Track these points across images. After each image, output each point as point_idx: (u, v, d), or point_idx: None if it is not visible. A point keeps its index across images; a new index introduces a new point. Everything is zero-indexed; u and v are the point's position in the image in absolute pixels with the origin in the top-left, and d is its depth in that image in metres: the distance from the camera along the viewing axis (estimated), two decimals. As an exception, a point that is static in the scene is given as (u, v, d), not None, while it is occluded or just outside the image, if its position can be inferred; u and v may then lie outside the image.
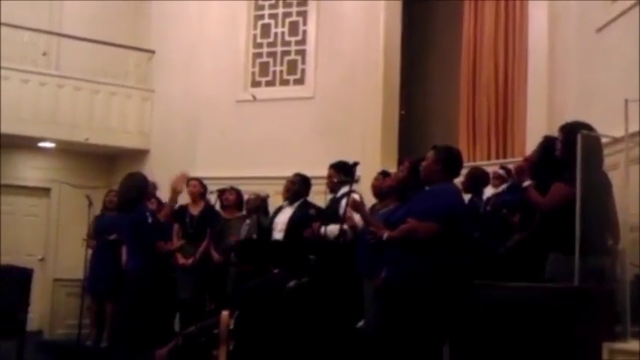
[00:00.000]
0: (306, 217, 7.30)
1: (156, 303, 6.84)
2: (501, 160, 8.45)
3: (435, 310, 5.04)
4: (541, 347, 4.28)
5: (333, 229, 6.65)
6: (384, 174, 7.33)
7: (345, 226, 6.47)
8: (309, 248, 6.81)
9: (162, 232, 7.31)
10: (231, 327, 5.33)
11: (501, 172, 7.03)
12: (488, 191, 6.99)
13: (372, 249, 5.70)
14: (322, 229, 6.74)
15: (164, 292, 7.21)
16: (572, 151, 4.81)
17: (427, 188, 5.51)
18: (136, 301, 6.88)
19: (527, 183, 5.27)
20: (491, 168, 7.46)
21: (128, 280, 7.12)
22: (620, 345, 4.09)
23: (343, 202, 6.64)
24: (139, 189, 7.06)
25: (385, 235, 5.38)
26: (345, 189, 6.92)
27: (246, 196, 8.74)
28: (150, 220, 6.92)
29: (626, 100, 4.61)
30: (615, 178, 5.12)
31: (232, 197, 8.66)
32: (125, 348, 6.96)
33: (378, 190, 7.20)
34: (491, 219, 6.33)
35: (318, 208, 7.39)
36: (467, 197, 6.96)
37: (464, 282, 4.99)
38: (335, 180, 7.20)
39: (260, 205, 8.38)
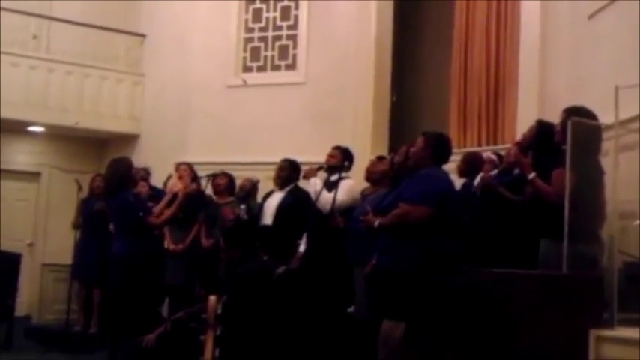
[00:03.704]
0: (295, 202, 7.31)
1: (142, 287, 6.83)
2: (492, 147, 8.44)
3: (427, 294, 5.03)
4: (528, 333, 4.29)
5: (327, 198, 6.69)
6: (381, 159, 7.33)
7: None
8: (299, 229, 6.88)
9: (147, 210, 7.31)
10: (219, 312, 5.31)
11: (493, 157, 7.03)
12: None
13: (364, 235, 5.70)
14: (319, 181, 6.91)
15: (152, 276, 7.20)
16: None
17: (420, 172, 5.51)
18: (120, 286, 6.89)
19: (532, 175, 5.26)
20: (484, 154, 7.46)
21: (113, 264, 7.13)
22: (607, 332, 4.09)
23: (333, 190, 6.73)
24: (121, 176, 7.07)
25: (377, 222, 5.37)
26: (336, 175, 6.96)
27: (238, 182, 8.69)
28: (132, 202, 6.95)
29: (617, 87, 4.59)
30: (605, 165, 5.11)
31: (223, 182, 8.60)
32: (113, 333, 6.97)
33: (371, 175, 7.21)
34: (482, 201, 6.30)
35: (307, 195, 7.37)
36: (460, 182, 6.98)
37: (456, 266, 4.99)
38: (327, 165, 7.22)
39: (250, 190, 8.36)
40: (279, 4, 11.02)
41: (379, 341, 5.18)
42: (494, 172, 6.79)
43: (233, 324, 5.31)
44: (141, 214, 7.03)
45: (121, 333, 6.57)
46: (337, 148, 7.35)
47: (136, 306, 6.71)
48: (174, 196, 7.61)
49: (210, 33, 11.15)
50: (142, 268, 6.92)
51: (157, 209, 7.36)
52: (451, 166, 6.25)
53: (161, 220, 7.25)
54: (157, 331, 5.78)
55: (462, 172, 7.01)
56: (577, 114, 5.03)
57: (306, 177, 7.34)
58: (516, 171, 6.07)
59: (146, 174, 9.06)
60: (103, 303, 8.69)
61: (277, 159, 7.94)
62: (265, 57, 11.06)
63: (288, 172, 7.65)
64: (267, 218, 7.46)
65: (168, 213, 7.34)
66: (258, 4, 11.15)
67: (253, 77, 10.96)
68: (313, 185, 7.16)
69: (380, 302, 5.40)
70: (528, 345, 4.31)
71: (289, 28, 10.94)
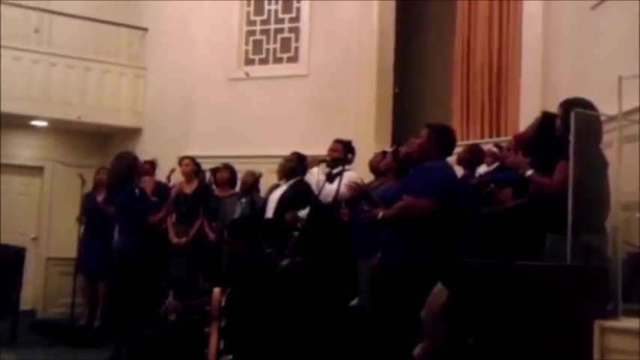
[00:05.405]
0: (297, 195, 7.30)
1: (145, 281, 6.85)
2: (494, 139, 8.43)
3: (432, 288, 5.03)
4: (533, 324, 4.29)
5: (329, 189, 6.68)
6: (385, 153, 7.32)
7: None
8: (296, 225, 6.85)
9: (151, 208, 7.32)
10: (223, 304, 5.31)
11: (495, 150, 7.01)
12: (482, 169, 6.97)
13: (369, 226, 5.69)
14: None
15: (155, 270, 7.22)
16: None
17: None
18: (122, 280, 6.91)
19: (529, 172, 5.20)
20: (485, 146, 7.44)
21: (115, 258, 7.16)
22: (611, 323, 4.08)
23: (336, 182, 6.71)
24: (127, 169, 7.09)
25: (380, 214, 5.35)
26: (339, 168, 6.95)
27: (240, 175, 8.70)
28: (138, 196, 6.95)
29: (620, 77, 4.57)
30: (609, 156, 5.09)
31: (225, 175, 8.62)
32: (117, 326, 6.99)
33: (375, 168, 7.21)
34: (477, 195, 6.28)
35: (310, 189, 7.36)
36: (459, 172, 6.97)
37: (460, 259, 4.98)
38: (329, 158, 7.20)
39: (253, 183, 8.36)
40: (281, -3, 11.02)
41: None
42: (496, 164, 6.79)
43: (237, 316, 5.32)
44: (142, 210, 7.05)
45: (123, 326, 6.59)
46: (338, 141, 7.32)
47: (137, 300, 6.73)
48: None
49: (213, 26, 11.14)
50: (142, 262, 6.94)
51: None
52: (452, 158, 6.24)
53: (157, 219, 7.27)
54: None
55: (461, 161, 6.98)
56: (575, 105, 5.00)
57: (309, 165, 7.34)
58: (528, 173, 6.02)
59: (153, 166, 9.07)
60: (107, 296, 8.72)
61: (280, 152, 7.95)
62: (267, 50, 11.06)
63: (294, 164, 7.62)
64: (270, 211, 7.45)
65: (161, 214, 7.41)
66: (259, -3, 11.15)
67: (256, 70, 10.96)
68: (315, 175, 7.13)
69: (384, 296, 5.39)
70: (532, 336, 4.31)
71: (291, 20, 10.93)
